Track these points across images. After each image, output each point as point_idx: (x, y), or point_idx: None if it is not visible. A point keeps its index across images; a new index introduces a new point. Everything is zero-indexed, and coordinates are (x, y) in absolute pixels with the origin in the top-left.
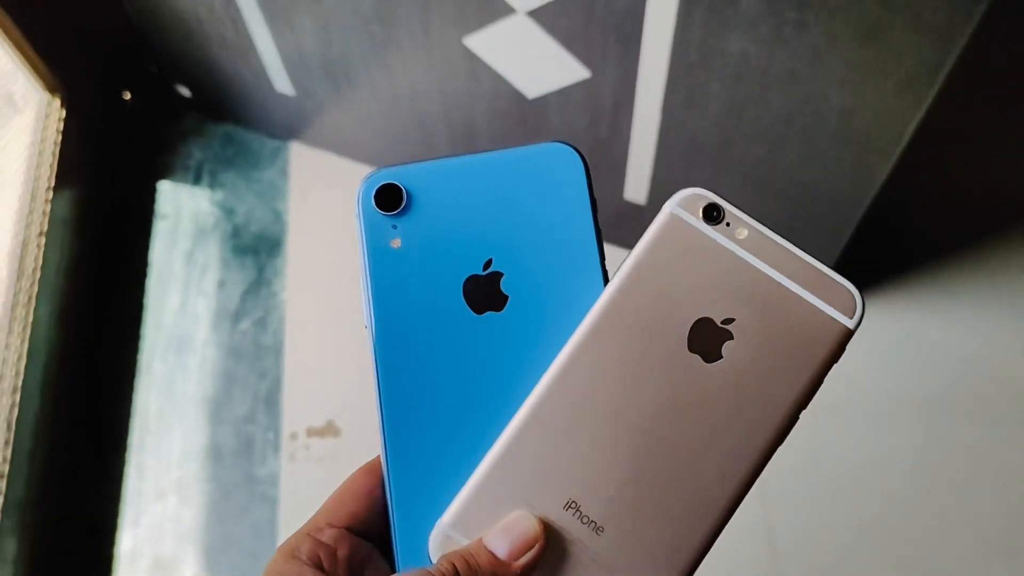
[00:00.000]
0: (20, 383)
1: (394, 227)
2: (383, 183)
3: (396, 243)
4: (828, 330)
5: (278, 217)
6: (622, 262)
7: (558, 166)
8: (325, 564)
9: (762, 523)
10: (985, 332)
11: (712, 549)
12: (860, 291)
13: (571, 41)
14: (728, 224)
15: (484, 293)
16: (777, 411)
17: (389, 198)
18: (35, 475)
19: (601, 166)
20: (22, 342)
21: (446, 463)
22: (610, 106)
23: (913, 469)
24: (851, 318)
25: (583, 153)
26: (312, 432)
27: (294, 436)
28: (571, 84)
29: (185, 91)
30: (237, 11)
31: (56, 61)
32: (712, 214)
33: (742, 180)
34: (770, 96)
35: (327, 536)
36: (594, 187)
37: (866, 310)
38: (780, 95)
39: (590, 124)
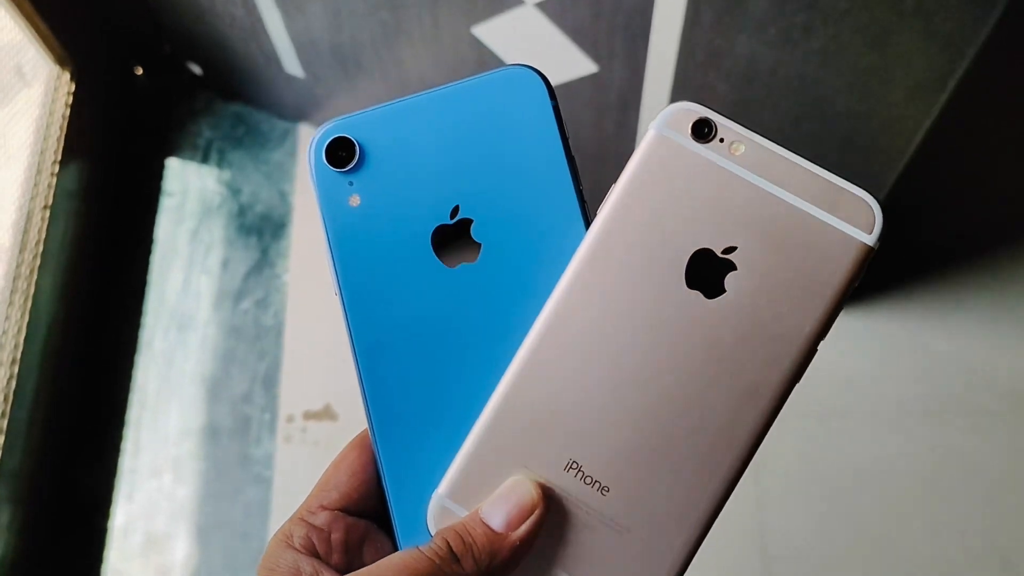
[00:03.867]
0: (19, 355)
1: (350, 184)
2: (332, 138)
3: (355, 200)
4: (844, 248)
5: (284, 199)
6: (606, 195)
7: (518, 93)
8: (319, 549)
9: (756, 528)
10: (991, 342)
11: (703, 552)
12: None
13: (578, 35)
14: (722, 140)
15: (455, 244)
16: (791, 346)
17: (341, 153)
18: (32, 447)
19: (607, 161)
20: (22, 315)
21: (436, 429)
22: (617, 102)
23: (913, 477)
24: (869, 233)
25: (544, 75)
26: (309, 415)
27: (291, 418)
28: (578, 78)
29: (197, 69)
30: None
31: (67, 34)
32: (703, 130)
33: None
34: (777, 99)
35: (320, 520)
36: (568, 130)
37: (884, 227)
38: (788, 98)
39: (597, 119)
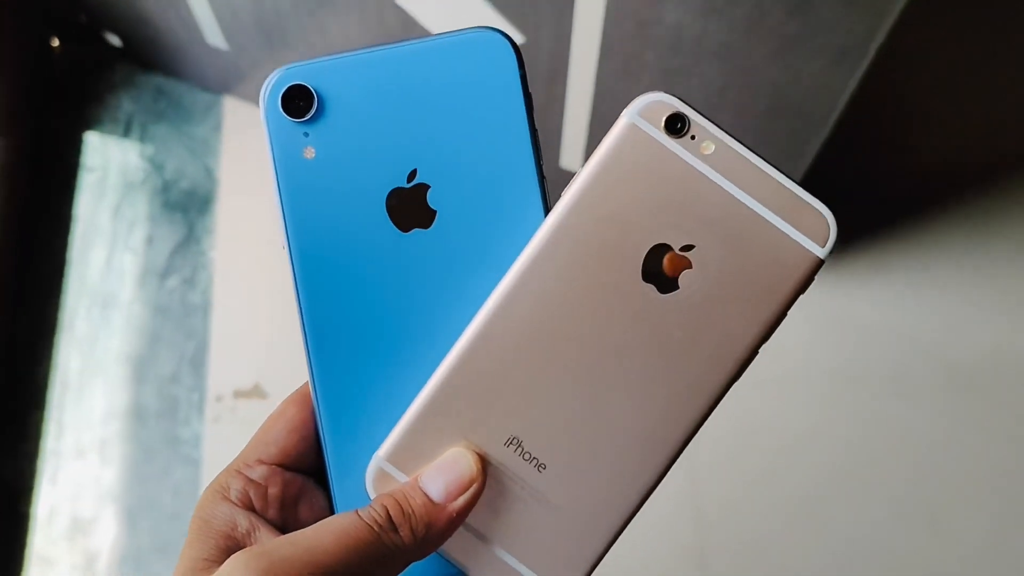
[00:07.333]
0: None
1: (305, 135)
2: (290, 84)
3: (309, 153)
4: (796, 259)
5: (209, 174)
6: (573, 177)
7: (486, 58)
8: (256, 504)
9: (690, 497)
10: (917, 311)
11: (637, 521)
12: (834, 214)
13: (504, 4)
14: (693, 137)
15: (409, 208)
16: (735, 348)
17: (298, 102)
18: None
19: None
20: None
21: (379, 392)
22: (545, 72)
23: (844, 443)
24: (822, 246)
25: (515, 41)
26: (239, 394)
27: (220, 398)
28: None
29: (115, 40)
30: None
31: None
32: (675, 125)
33: None
34: (703, 68)
35: (257, 473)
36: (533, 102)
37: (836, 241)
38: (713, 67)
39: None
